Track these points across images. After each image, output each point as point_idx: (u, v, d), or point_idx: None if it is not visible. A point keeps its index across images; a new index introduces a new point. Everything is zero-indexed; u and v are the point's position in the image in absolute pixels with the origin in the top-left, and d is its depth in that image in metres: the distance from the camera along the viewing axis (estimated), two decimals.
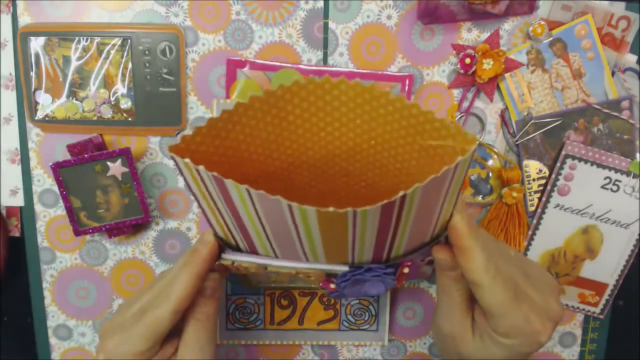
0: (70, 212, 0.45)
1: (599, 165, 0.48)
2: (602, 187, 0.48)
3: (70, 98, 0.46)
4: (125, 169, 0.45)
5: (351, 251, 0.32)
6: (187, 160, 0.28)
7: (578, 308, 0.52)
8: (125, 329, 0.36)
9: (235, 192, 0.28)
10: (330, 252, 0.32)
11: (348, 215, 0.26)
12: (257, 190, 0.26)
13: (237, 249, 0.35)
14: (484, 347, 0.36)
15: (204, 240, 0.36)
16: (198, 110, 0.47)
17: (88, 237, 0.49)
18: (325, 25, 0.47)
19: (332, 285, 0.36)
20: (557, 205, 0.49)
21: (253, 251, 0.35)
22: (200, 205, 0.33)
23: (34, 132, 0.47)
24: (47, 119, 0.46)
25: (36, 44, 0.45)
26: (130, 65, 0.45)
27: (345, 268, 0.34)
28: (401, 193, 0.26)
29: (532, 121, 0.48)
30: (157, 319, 0.35)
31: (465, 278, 0.35)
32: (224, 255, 0.36)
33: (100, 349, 0.37)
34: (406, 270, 0.36)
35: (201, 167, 0.28)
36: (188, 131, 0.45)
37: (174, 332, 0.37)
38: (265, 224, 0.30)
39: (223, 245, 0.36)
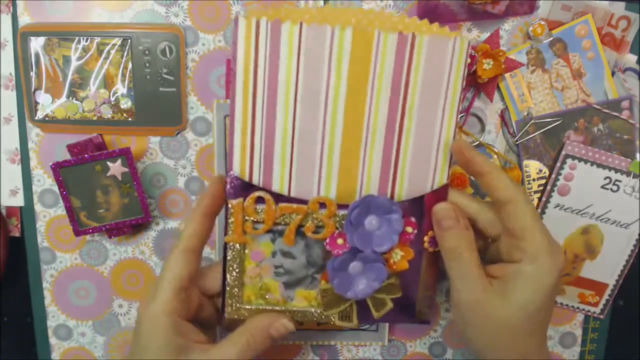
0: (70, 212, 0.45)
1: (599, 165, 0.48)
2: (602, 187, 0.48)
3: (70, 98, 0.46)
4: (125, 169, 0.45)
5: (361, 169, 0.37)
6: (253, 7, 0.36)
7: (578, 308, 0.52)
8: (155, 283, 0.37)
9: (285, 38, 0.34)
10: (345, 166, 0.37)
11: (374, 37, 0.34)
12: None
13: (250, 185, 0.37)
14: (509, 299, 0.35)
15: (211, 179, 0.38)
16: (198, 110, 0.47)
17: (88, 237, 0.49)
18: None
19: (340, 241, 0.36)
20: (557, 205, 0.49)
21: (267, 185, 0.37)
22: (232, 132, 0.36)
23: (34, 132, 0.47)
24: (47, 119, 0.46)
25: (36, 44, 0.45)
26: (130, 65, 0.45)
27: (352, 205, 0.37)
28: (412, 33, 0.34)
29: (532, 121, 0.48)
30: (170, 263, 0.37)
31: (469, 234, 0.36)
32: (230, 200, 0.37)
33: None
34: (409, 229, 0.37)
35: (263, 18, 0.33)
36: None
37: (208, 333, 0.39)
38: (300, 100, 0.35)
39: (234, 185, 0.37)
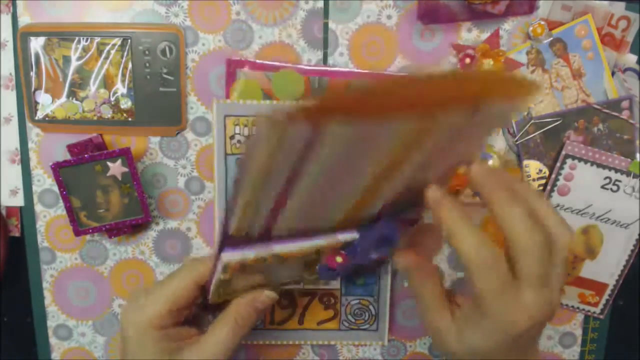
0: (70, 212, 0.45)
1: (599, 165, 0.48)
2: (602, 187, 0.48)
3: (70, 98, 0.46)
4: (125, 169, 0.45)
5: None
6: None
7: (578, 308, 0.52)
8: (148, 292, 0.37)
9: (327, 141, 0.26)
10: (365, 198, 0.32)
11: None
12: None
13: (243, 241, 0.33)
14: (462, 337, 0.34)
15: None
16: (198, 110, 0.47)
17: (88, 237, 0.49)
18: (325, 25, 0.47)
19: (339, 259, 0.36)
20: (557, 205, 0.49)
21: (266, 235, 0.33)
22: (237, 188, 0.29)
23: (34, 132, 0.47)
24: (47, 119, 0.46)
25: (36, 44, 0.45)
26: (130, 65, 0.45)
27: (355, 235, 0.35)
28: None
29: (532, 121, 0.48)
30: (175, 282, 0.36)
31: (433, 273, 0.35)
32: (224, 255, 0.35)
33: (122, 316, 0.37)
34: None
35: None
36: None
37: (198, 324, 0.38)
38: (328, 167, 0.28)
39: (224, 244, 0.34)
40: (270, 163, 0.27)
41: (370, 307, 0.52)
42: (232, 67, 0.46)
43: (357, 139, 0.27)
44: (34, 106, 0.46)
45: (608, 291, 0.51)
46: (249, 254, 0.34)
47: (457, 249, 0.32)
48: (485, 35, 0.47)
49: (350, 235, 0.35)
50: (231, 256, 0.34)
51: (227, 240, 0.33)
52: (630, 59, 0.48)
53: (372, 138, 0.27)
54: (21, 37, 0.45)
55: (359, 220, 0.35)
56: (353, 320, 0.52)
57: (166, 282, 0.37)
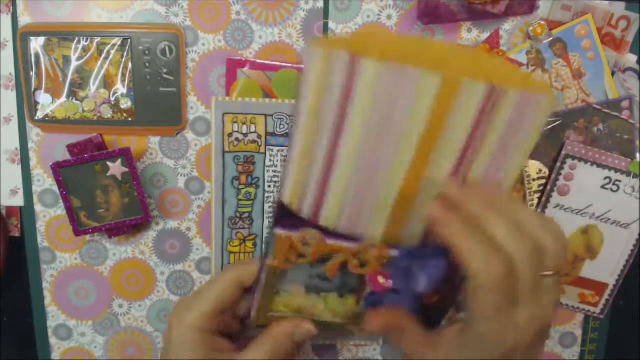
0: (70, 212, 0.45)
1: (599, 165, 0.48)
2: (602, 187, 0.48)
3: (70, 98, 0.46)
4: (125, 169, 0.45)
5: (415, 217, 0.34)
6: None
7: (578, 308, 0.52)
8: (195, 294, 0.38)
9: (364, 76, 0.30)
10: (398, 211, 0.33)
11: (461, 86, 0.30)
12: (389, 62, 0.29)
13: (295, 219, 0.34)
14: (458, 352, 0.34)
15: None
16: (198, 110, 0.47)
17: (88, 237, 0.49)
18: (325, 25, 0.47)
19: (381, 279, 0.36)
20: (557, 205, 0.49)
21: (316, 221, 0.34)
22: (290, 159, 0.32)
23: (34, 132, 0.47)
24: (47, 119, 0.46)
25: (36, 44, 0.45)
26: (130, 65, 0.45)
27: (396, 252, 0.35)
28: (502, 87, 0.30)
29: None
30: (220, 282, 0.37)
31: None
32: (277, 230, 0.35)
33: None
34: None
35: (341, 51, 0.29)
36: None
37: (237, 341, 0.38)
38: (367, 136, 0.31)
39: (281, 214, 0.35)
40: (318, 100, 0.31)
41: None
42: (232, 67, 0.46)
43: (389, 87, 0.30)
44: (34, 106, 0.46)
45: (608, 291, 0.51)
46: (297, 233, 0.34)
47: (465, 266, 0.30)
48: (485, 35, 0.47)
49: (396, 251, 0.35)
50: (282, 231, 0.34)
51: (282, 213, 0.34)
52: (630, 59, 0.48)
53: (403, 90, 0.30)
54: (21, 37, 0.45)
55: (406, 238, 0.35)
56: None
57: (211, 283, 0.38)
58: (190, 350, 0.36)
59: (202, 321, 0.36)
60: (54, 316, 0.51)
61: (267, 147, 0.47)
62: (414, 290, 0.36)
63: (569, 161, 0.48)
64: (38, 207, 0.49)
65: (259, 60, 0.46)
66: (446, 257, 0.35)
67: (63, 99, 0.46)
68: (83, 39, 0.45)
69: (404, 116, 0.31)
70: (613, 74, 0.48)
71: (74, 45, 0.45)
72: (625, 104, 0.48)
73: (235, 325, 0.40)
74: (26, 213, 0.49)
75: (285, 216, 0.34)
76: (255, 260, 0.37)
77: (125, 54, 0.45)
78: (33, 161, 0.48)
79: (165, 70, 0.46)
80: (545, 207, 0.49)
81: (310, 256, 0.35)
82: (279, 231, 0.34)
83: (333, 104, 0.31)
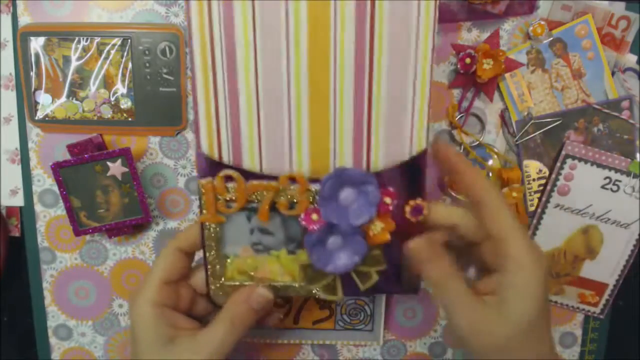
0: (70, 212, 0.45)
1: (599, 165, 0.48)
2: (602, 187, 0.48)
3: (70, 98, 0.46)
4: (125, 169, 0.45)
5: (333, 141, 0.35)
6: None
7: (578, 308, 0.52)
8: (145, 275, 0.39)
9: (240, 16, 0.33)
10: (315, 138, 0.35)
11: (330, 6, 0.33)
12: None
13: (220, 164, 0.36)
14: (505, 314, 0.35)
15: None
16: None
17: (88, 237, 0.49)
18: None
19: (315, 216, 0.36)
20: (557, 205, 0.49)
21: (239, 165, 0.36)
22: (195, 94, 0.35)
23: (34, 132, 0.47)
24: (47, 119, 0.46)
25: (36, 44, 0.45)
26: (130, 65, 0.45)
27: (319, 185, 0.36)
28: None
29: (532, 121, 0.48)
30: (160, 258, 0.38)
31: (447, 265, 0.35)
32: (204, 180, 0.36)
33: None
34: (388, 200, 0.35)
35: None
36: None
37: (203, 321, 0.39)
38: (260, 72, 0.34)
39: (208, 165, 0.36)
40: (205, 37, 0.33)
41: (366, 307, 0.52)
42: None
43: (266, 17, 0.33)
44: (34, 106, 0.46)
45: (608, 291, 0.51)
46: (220, 173, 0.36)
47: (506, 256, 0.34)
48: (485, 35, 0.47)
49: (318, 185, 0.36)
50: (204, 180, 0.36)
51: (205, 165, 0.36)
52: (630, 59, 0.48)
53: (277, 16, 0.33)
54: (21, 37, 0.45)
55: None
56: (348, 320, 0.52)
57: (157, 258, 0.38)
58: (147, 325, 0.36)
59: (152, 293, 0.36)
60: (54, 316, 0.51)
61: None
62: (352, 225, 0.36)
63: (569, 161, 0.48)
64: (38, 207, 0.49)
65: None
66: (373, 181, 0.35)
67: (63, 99, 0.46)
68: (83, 39, 0.45)
69: (288, 46, 0.34)
70: (613, 74, 0.48)
71: (74, 45, 0.45)
72: (625, 104, 0.48)
73: (203, 305, 0.40)
74: (26, 213, 0.49)
75: (205, 165, 0.36)
76: (194, 225, 0.38)
77: (125, 54, 0.45)
78: (33, 161, 0.48)
79: (165, 70, 0.46)
80: (545, 207, 0.49)
81: (237, 201, 0.36)
82: (201, 180, 0.36)
83: (219, 49, 0.34)
